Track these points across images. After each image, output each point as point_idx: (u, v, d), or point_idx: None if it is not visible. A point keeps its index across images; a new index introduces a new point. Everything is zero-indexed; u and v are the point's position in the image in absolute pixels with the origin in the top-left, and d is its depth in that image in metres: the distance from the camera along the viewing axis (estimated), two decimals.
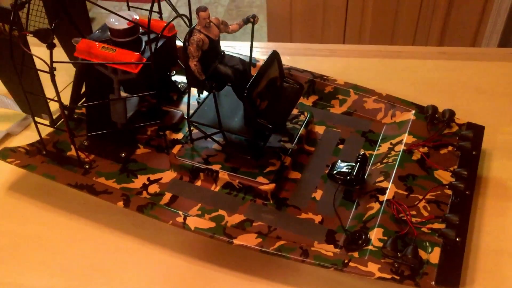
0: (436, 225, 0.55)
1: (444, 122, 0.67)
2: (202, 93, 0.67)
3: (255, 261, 0.58)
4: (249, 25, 0.63)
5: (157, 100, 0.65)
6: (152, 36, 0.63)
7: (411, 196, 0.59)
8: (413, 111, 0.69)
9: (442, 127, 0.66)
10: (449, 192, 0.59)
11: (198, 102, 0.68)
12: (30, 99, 0.62)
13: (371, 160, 0.65)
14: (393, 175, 0.61)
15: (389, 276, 0.51)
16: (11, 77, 0.65)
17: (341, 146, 0.68)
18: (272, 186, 0.60)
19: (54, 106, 0.63)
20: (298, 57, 0.87)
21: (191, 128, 0.64)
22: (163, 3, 0.70)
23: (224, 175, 0.61)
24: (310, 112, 0.69)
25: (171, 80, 0.76)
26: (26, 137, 0.74)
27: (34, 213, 0.64)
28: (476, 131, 0.65)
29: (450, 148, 0.64)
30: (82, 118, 0.71)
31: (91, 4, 0.62)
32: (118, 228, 0.62)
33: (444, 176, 0.61)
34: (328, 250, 0.55)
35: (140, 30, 0.64)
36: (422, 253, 0.52)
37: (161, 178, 0.64)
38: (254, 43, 0.68)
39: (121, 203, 0.58)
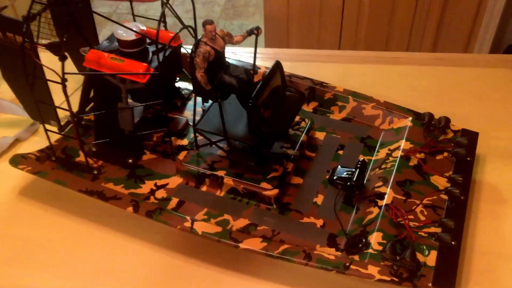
0: (433, 229, 0.58)
1: (440, 129, 0.69)
2: (207, 101, 0.69)
3: (262, 265, 0.60)
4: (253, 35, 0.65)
5: (164, 108, 0.67)
6: (159, 46, 0.65)
7: (409, 201, 0.61)
8: (410, 118, 0.72)
9: (438, 134, 0.69)
10: (445, 197, 0.62)
11: (203, 109, 0.70)
12: (40, 107, 0.64)
13: (370, 166, 0.68)
14: (391, 181, 0.63)
15: (388, 278, 0.53)
16: (20, 86, 0.67)
17: (340, 152, 0.70)
18: (275, 191, 0.62)
19: (61, 113, 0.65)
20: (298, 63, 0.90)
21: (197, 135, 0.67)
22: (166, 11, 0.72)
23: (229, 181, 0.64)
24: (311, 118, 0.72)
25: (175, 87, 0.78)
26: (34, 143, 0.76)
27: (44, 217, 0.66)
28: (470, 138, 0.68)
29: (445, 154, 0.67)
30: (89, 124, 0.73)
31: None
32: (127, 231, 0.64)
33: (440, 181, 0.64)
34: (329, 253, 0.57)
35: (147, 40, 0.66)
36: (419, 256, 0.55)
37: (167, 184, 0.66)
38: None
39: (130, 209, 0.61)
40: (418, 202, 0.61)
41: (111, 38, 0.67)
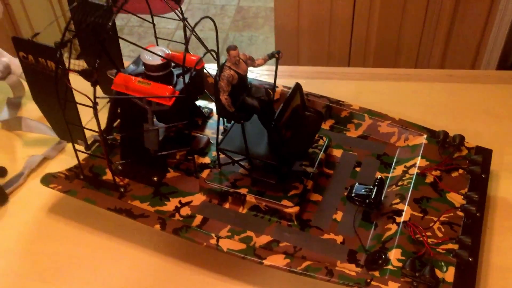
0: (450, 245, 0.60)
1: (455, 146, 0.71)
2: (230, 122, 0.72)
3: (284, 282, 0.62)
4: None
5: (187, 127, 0.69)
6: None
7: (426, 218, 0.63)
8: (425, 135, 0.74)
9: (453, 151, 0.71)
10: (461, 214, 0.64)
11: (225, 129, 0.73)
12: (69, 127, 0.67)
13: (387, 183, 0.70)
14: (408, 198, 0.66)
15: None
16: (50, 107, 0.70)
17: (358, 169, 0.72)
18: (296, 209, 0.65)
19: (87, 132, 0.68)
20: (313, 80, 0.92)
21: (219, 154, 0.69)
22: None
23: (251, 199, 0.66)
24: (329, 136, 0.74)
25: (196, 106, 0.80)
26: (61, 161, 0.79)
27: (73, 234, 0.69)
28: (485, 155, 0.70)
29: (460, 171, 0.69)
30: (114, 143, 0.76)
31: None
32: (153, 247, 0.67)
33: (456, 198, 0.66)
34: (350, 269, 0.59)
35: (172, 64, 0.69)
36: (438, 272, 0.57)
37: (191, 201, 0.68)
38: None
39: (158, 226, 0.63)
40: (435, 219, 0.63)
41: (137, 61, 0.70)
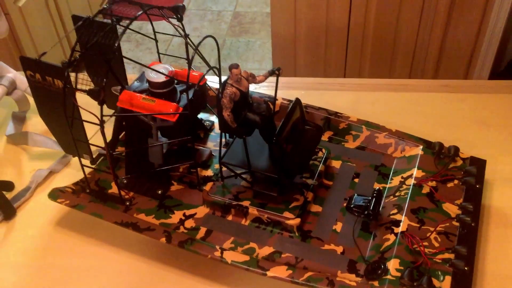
0: (447, 255, 0.62)
1: (450, 157, 0.74)
2: (232, 137, 0.74)
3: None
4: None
5: (191, 141, 0.71)
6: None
7: (423, 228, 0.66)
8: (421, 146, 0.76)
9: (448, 162, 0.73)
10: (456, 224, 0.66)
11: (227, 142, 0.75)
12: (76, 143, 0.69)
13: (385, 193, 0.72)
14: (405, 208, 0.68)
15: None
16: (56, 123, 0.72)
17: (356, 180, 0.75)
18: (297, 221, 0.67)
19: (92, 147, 0.69)
20: (312, 91, 0.95)
21: (222, 167, 0.71)
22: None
23: (253, 211, 0.68)
24: (328, 148, 0.76)
25: (198, 119, 0.82)
26: (67, 174, 0.80)
27: (81, 247, 0.71)
28: (479, 166, 0.72)
29: (456, 181, 0.71)
30: (118, 157, 0.78)
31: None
32: (160, 259, 0.69)
33: (451, 208, 0.68)
34: (350, 279, 0.62)
35: (175, 81, 0.71)
36: (435, 281, 0.59)
37: (195, 213, 0.70)
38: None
39: (163, 239, 0.65)
40: (432, 229, 0.65)
41: (142, 78, 0.72)
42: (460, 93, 0.92)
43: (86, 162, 0.73)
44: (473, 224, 0.65)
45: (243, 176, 0.71)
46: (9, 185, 0.78)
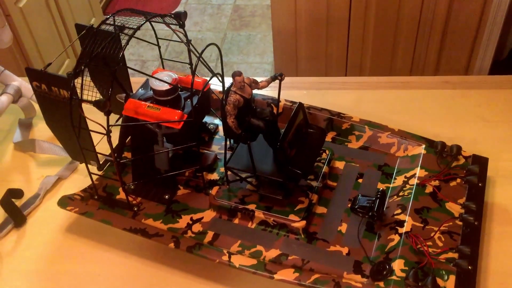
0: (451, 254, 0.63)
1: (452, 156, 0.74)
2: (237, 142, 0.75)
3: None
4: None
5: (196, 146, 0.72)
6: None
7: (427, 228, 0.67)
8: (424, 145, 0.77)
9: (451, 161, 0.74)
10: (460, 223, 0.67)
11: (231, 147, 0.76)
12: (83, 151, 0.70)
13: (388, 193, 0.73)
14: (409, 208, 0.69)
15: None
16: (62, 131, 0.73)
17: (360, 180, 0.76)
18: (303, 223, 0.68)
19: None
20: (313, 91, 0.95)
21: (227, 172, 0.72)
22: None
23: (259, 214, 0.69)
24: (331, 149, 0.77)
25: (202, 122, 0.83)
26: (75, 180, 0.82)
27: (91, 252, 0.72)
28: (481, 164, 0.73)
29: (458, 180, 0.72)
30: (125, 162, 0.79)
31: None
32: (168, 264, 0.70)
33: (454, 207, 0.69)
34: (356, 280, 0.63)
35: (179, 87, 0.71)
36: (439, 281, 0.61)
37: (202, 218, 0.72)
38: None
39: (172, 245, 0.66)
40: (435, 229, 0.66)
41: (146, 85, 0.73)
42: (461, 89, 0.93)
43: (94, 168, 0.74)
44: (476, 223, 0.66)
45: (249, 180, 0.72)
46: (18, 193, 0.79)
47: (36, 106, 0.89)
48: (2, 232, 0.75)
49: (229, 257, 0.65)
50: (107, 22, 0.66)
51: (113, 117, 0.77)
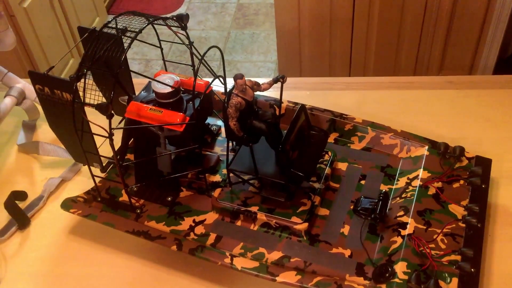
0: (453, 257, 0.63)
1: (455, 157, 0.74)
2: (239, 144, 0.75)
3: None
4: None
5: (199, 147, 0.72)
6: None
7: (430, 230, 0.66)
8: (426, 147, 0.77)
9: (454, 163, 0.74)
10: (463, 225, 0.67)
11: (233, 149, 0.76)
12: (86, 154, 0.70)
13: (391, 195, 0.73)
14: (412, 210, 0.69)
15: None
16: (65, 133, 0.73)
17: (363, 182, 0.75)
18: (305, 225, 0.68)
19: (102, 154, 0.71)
20: (316, 91, 0.95)
21: (230, 174, 0.72)
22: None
23: (262, 216, 0.69)
24: (333, 151, 0.77)
25: (205, 124, 0.83)
26: (78, 182, 0.82)
27: (94, 255, 0.72)
28: (484, 166, 0.73)
29: (461, 182, 0.72)
30: (128, 165, 0.79)
31: None
32: (171, 265, 0.70)
33: (457, 209, 0.69)
34: (359, 282, 0.63)
35: (181, 90, 0.71)
36: (442, 284, 0.60)
37: (205, 220, 0.72)
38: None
39: (174, 247, 0.66)
40: (438, 231, 0.66)
41: (148, 88, 0.73)
42: (465, 89, 0.92)
43: (97, 170, 0.74)
44: (479, 225, 0.66)
45: (251, 182, 0.72)
46: (22, 195, 0.79)
47: (40, 108, 0.89)
48: (6, 234, 0.75)
49: (232, 260, 0.65)
50: (109, 25, 0.66)
51: (117, 119, 0.77)
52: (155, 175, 0.74)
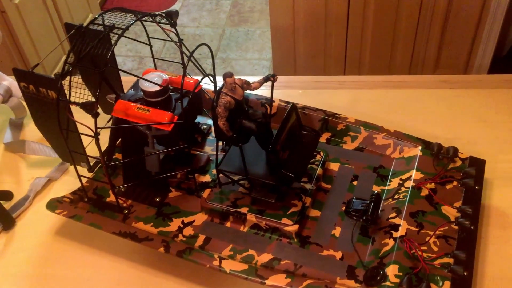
0: (446, 259, 0.62)
1: (449, 158, 0.73)
2: (229, 144, 0.74)
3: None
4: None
5: (188, 147, 0.71)
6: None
7: (422, 232, 0.65)
8: (420, 147, 0.76)
9: (447, 164, 0.73)
10: (456, 227, 0.65)
11: (223, 149, 0.75)
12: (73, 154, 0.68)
13: (383, 196, 0.72)
14: (404, 212, 0.67)
15: None
16: (51, 132, 0.72)
17: (355, 183, 0.74)
18: (296, 227, 0.67)
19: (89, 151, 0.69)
20: (309, 90, 0.94)
21: (219, 175, 0.71)
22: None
23: (252, 218, 0.68)
24: (325, 151, 0.76)
25: (195, 123, 0.82)
26: (65, 182, 0.80)
27: (81, 257, 0.71)
28: (478, 167, 0.72)
29: (454, 183, 0.71)
30: (116, 164, 0.78)
31: None
32: (159, 268, 0.69)
33: (450, 211, 0.68)
34: (350, 286, 0.62)
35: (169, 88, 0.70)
36: (434, 287, 0.59)
37: (194, 221, 0.70)
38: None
39: (162, 249, 0.65)
40: (431, 233, 0.65)
41: (136, 86, 0.72)
42: (459, 89, 0.91)
43: (84, 170, 0.73)
44: (472, 227, 0.65)
45: (241, 182, 0.70)
46: (8, 195, 0.78)
47: (27, 106, 0.87)
48: None
49: (220, 262, 0.64)
50: (96, 21, 0.65)
51: (105, 117, 0.76)
52: (143, 175, 0.73)
